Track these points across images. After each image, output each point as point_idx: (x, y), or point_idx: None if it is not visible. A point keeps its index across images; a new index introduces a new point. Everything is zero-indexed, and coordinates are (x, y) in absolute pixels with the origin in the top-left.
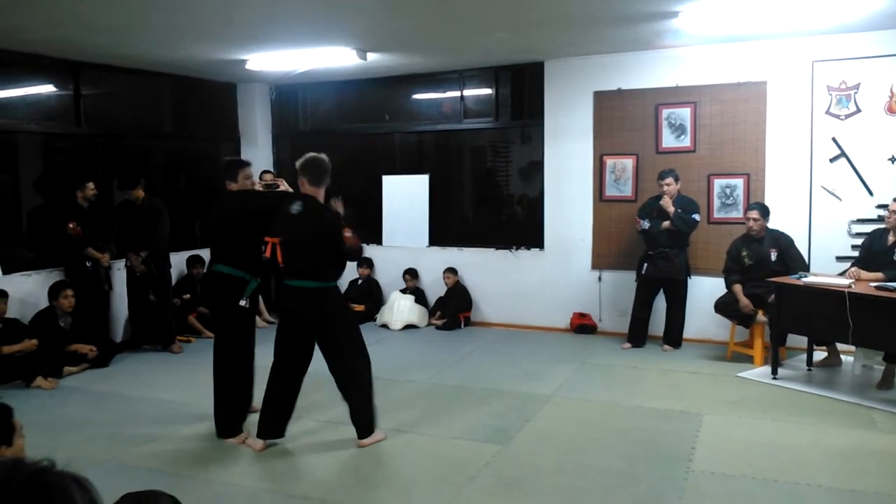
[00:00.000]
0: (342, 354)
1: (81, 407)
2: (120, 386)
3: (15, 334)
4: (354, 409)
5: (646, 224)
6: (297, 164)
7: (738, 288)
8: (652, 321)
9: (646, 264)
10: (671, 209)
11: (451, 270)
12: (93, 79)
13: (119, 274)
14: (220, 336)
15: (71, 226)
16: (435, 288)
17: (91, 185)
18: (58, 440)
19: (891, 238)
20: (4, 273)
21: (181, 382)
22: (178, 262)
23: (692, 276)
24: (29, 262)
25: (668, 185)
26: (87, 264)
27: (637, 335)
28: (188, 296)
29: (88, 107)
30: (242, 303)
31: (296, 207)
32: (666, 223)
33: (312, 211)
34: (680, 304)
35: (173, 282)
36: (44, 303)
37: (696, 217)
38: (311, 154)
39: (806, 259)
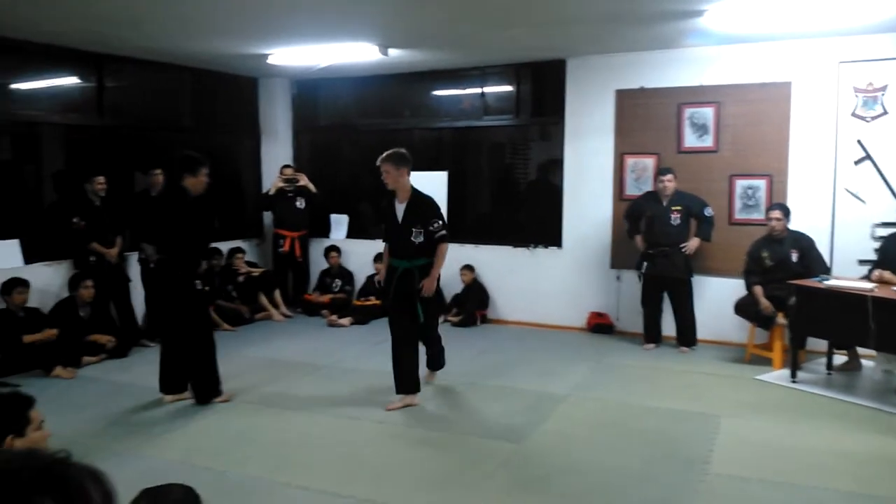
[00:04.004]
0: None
1: (99, 397)
2: (137, 377)
3: (35, 323)
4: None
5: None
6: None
7: (758, 290)
8: (667, 322)
9: (645, 263)
10: (694, 245)
11: (468, 268)
12: (115, 71)
13: (136, 266)
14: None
15: (75, 220)
16: (451, 284)
17: (101, 178)
18: (76, 430)
19: None
20: (26, 262)
21: None
22: None
23: (695, 276)
24: (48, 252)
25: (669, 181)
26: (91, 259)
27: (652, 333)
28: (207, 287)
29: (111, 99)
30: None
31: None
32: (695, 242)
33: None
34: (686, 304)
35: None
36: (62, 293)
37: (710, 211)
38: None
39: (827, 261)
